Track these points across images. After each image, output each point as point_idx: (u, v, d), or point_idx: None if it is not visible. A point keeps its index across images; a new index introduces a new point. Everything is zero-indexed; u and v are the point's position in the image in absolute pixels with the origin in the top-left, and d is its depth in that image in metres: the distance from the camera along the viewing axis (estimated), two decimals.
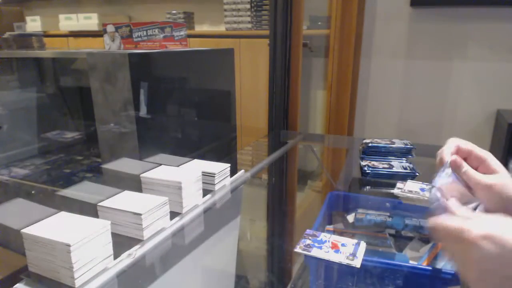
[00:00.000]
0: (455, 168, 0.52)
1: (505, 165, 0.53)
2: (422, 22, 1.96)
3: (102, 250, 0.60)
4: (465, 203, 0.50)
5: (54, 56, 1.54)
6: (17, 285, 0.57)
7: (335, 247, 0.67)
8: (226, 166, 0.95)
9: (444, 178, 0.51)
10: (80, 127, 1.62)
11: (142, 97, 0.92)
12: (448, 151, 0.53)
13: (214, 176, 0.91)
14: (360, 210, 0.90)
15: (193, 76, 1.13)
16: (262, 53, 2.27)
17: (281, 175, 1.37)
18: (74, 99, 1.61)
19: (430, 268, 0.66)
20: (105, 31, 1.12)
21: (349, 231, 0.87)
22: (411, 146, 1.19)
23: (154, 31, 1.09)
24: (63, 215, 0.63)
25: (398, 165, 1.15)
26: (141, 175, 0.82)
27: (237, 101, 1.37)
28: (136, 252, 0.66)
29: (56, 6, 3.55)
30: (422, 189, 0.96)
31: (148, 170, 0.84)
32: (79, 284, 0.56)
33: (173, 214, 0.78)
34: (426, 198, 0.90)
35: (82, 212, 0.64)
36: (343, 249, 0.67)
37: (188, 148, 1.13)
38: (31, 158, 1.44)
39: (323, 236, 0.71)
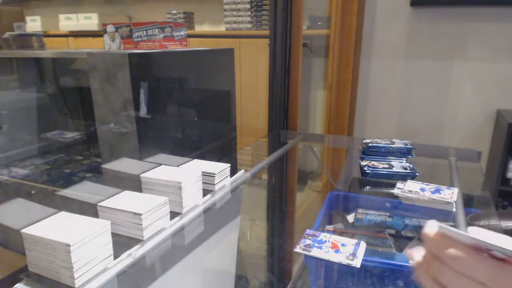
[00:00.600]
0: None
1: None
2: (422, 22, 1.96)
3: (102, 250, 0.60)
4: None
5: (54, 56, 1.54)
6: (17, 285, 0.57)
7: (335, 247, 0.67)
8: (226, 166, 0.95)
9: None
10: (80, 127, 1.62)
11: (142, 97, 0.92)
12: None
13: (214, 176, 0.91)
14: (360, 210, 0.90)
15: (193, 76, 1.13)
16: (262, 53, 2.27)
17: (281, 175, 1.37)
18: (74, 99, 1.61)
19: None
20: (105, 31, 1.12)
21: (349, 231, 0.87)
22: (411, 146, 1.19)
23: (154, 31, 1.09)
24: (63, 215, 0.63)
25: (398, 165, 1.15)
26: (141, 175, 0.82)
27: (237, 101, 1.37)
28: (136, 252, 0.66)
29: (56, 6, 3.55)
30: (422, 189, 0.96)
31: (148, 170, 0.84)
32: (79, 284, 0.56)
33: (173, 214, 0.78)
34: (426, 198, 0.90)
35: (82, 212, 0.64)
36: (343, 249, 0.67)
37: (188, 148, 1.13)
38: (31, 158, 1.44)
39: (323, 236, 0.71)
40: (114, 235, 0.64)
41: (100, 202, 0.72)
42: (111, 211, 0.70)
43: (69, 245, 0.54)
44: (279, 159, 1.38)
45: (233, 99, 1.34)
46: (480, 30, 1.86)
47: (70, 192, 0.99)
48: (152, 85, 0.94)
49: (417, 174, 1.09)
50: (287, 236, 1.03)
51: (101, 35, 1.14)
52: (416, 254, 0.41)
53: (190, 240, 0.78)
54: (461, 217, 0.83)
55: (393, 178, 1.08)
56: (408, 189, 0.96)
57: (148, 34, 1.09)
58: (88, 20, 3.04)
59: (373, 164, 1.15)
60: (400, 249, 0.83)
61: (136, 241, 0.69)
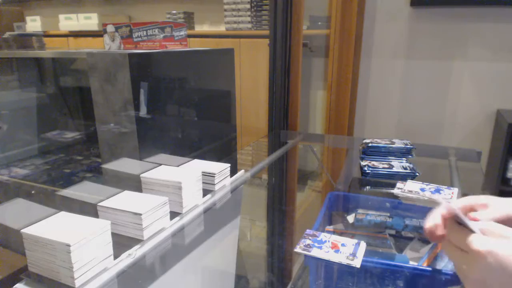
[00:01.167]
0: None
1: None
2: (422, 22, 1.96)
3: (102, 250, 0.60)
4: None
5: (54, 56, 1.54)
6: (17, 285, 0.57)
7: (335, 247, 0.67)
8: (226, 166, 0.95)
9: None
10: (80, 127, 1.62)
11: (142, 97, 0.92)
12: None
13: (214, 176, 0.91)
14: (360, 211, 0.90)
15: (193, 76, 1.13)
16: (262, 53, 2.27)
17: (281, 175, 1.37)
18: (74, 99, 1.61)
19: (430, 268, 0.66)
20: (105, 31, 1.12)
21: (349, 231, 0.87)
22: (411, 146, 1.19)
23: (154, 31, 1.09)
24: (63, 215, 0.63)
25: (398, 165, 1.14)
26: (141, 175, 0.82)
27: (237, 101, 1.37)
28: (136, 252, 0.66)
29: (56, 6, 3.55)
30: (422, 189, 0.96)
31: (148, 170, 0.84)
32: (79, 284, 0.56)
33: (173, 214, 0.78)
34: (426, 198, 0.90)
35: (82, 212, 0.64)
36: (343, 249, 0.67)
37: (188, 148, 1.13)
38: (31, 158, 1.44)
39: (323, 236, 0.71)
40: (114, 235, 0.64)
41: (100, 202, 0.72)
42: (111, 211, 0.70)
43: (69, 245, 0.54)
44: (279, 159, 1.38)
45: (233, 99, 1.34)
46: (480, 30, 1.86)
47: (70, 192, 0.99)
48: (152, 85, 0.94)
49: (417, 174, 1.09)
50: (287, 236, 1.03)
51: (101, 35, 1.14)
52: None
53: (190, 240, 0.78)
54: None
55: (393, 178, 1.08)
56: (408, 189, 0.96)
57: (148, 34, 1.09)
58: (88, 20, 3.04)
59: (373, 164, 1.15)
60: (400, 250, 0.82)
61: (136, 241, 0.69)
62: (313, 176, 1.49)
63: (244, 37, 2.38)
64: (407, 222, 0.86)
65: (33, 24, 3.21)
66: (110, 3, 3.32)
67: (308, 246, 0.67)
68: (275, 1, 1.57)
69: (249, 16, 2.45)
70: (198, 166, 0.92)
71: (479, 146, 1.85)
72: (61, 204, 1.00)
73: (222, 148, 1.31)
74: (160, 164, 0.89)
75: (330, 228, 0.89)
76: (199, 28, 2.97)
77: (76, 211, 0.64)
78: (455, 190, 0.93)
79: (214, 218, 0.87)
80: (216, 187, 0.92)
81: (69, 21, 3.12)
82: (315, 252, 0.66)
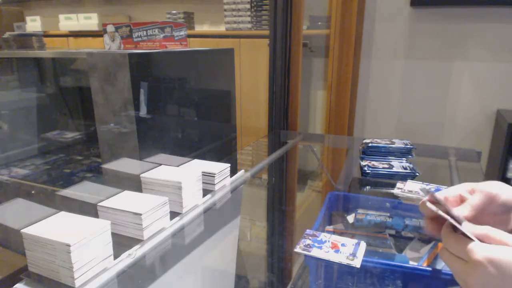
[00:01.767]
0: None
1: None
2: (422, 22, 1.96)
3: (102, 250, 0.60)
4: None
5: (54, 56, 1.54)
6: (17, 285, 0.57)
7: (335, 247, 0.67)
8: (226, 166, 0.95)
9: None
10: (80, 127, 1.62)
11: (142, 97, 0.92)
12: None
13: (214, 176, 0.91)
14: (360, 211, 0.90)
15: (193, 76, 1.13)
16: (262, 53, 2.27)
17: (281, 175, 1.37)
18: (74, 99, 1.61)
19: (430, 269, 0.66)
20: (105, 31, 1.12)
21: (349, 231, 0.87)
22: (411, 146, 1.19)
23: (154, 31, 1.09)
24: (63, 215, 0.63)
25: (398, 165, 1.15)
26: (141, 175, 0.82)
27: (237, 101, 1.37)
28: (136, 252, 0.66)
29: (56, 6, 3.55)
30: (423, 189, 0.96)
31: (148, 170, 0.84)
32: (79, 284, 0.56)
33: (173, 214, 0.78)
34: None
35: (82, 212, 0.64)
36: (343, 249, 0.67)
37: (188, 148, 1.13)
38: (31, 158, 1.44)
39: (323, 236, 0.71)
40: (114, 235, 0.64)
41: (100, 202, 0.72)
42: (111, 211, 0.70)
43: (69, 245, 0.54)
44: (279, 159, 1.38)
45: (233, 99, 1.34)
46: (480, 30, 1.86)
47: (70, 192, 0.99)
48: (152, 85, 0.94)
49: (417, 174, 1.09)
50: (287, 236, 1.03)
51: (101, 35, 1.14)
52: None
53: (190, 240, 0.78)
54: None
55: (393, 178, 1.08)
56: (408, 189, 0.96)
57: (148, 34, 1.09)
58: (88, 20, 3.04)
59: (373, 164, 1.15)
60: (400, 250, 0.82)
61: (136, 241, 0.69)
62: (313, 176, 1.49)
63: (244, 37, 2.38)
64: (407, 222, 0.86)
65: (33, 24, 3.21)
66: (110, 3, 3.32)
67: (308, 246, 0.67)
68: (275, 1, 1.57)
69: (249, 16, 2.45)
70: (198, 166, 0.92)
71: (479, 146, 1.84)
72: (61, 204, 1.00)
73: (222, 148, 1.31)
74: (160, 164, 0.89)
75: (330, 228, 0.89)
76: (199, 28, 2.96)
77: (76, 211, 0.64)
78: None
79: (214, 218, 0.87)
80: (216, 187, 0.92)
81: (69, 21, 3.12)
82: (315, 252, 0.66)
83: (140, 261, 0.65)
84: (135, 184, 0.84)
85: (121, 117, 0.92)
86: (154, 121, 0.97)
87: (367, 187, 1.13)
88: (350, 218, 0.90)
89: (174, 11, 2.77)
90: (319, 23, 2.23)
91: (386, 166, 1.14)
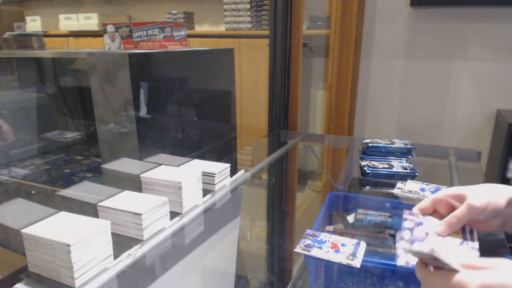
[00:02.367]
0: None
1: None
2: (422, 22, 1.96)
3: (102, 250, 0.60)
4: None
5: (54, 56, 1.54)
6: (17, 285, 0.57)
7: (335, 247, 0.67)
8: (226, 166, 0.95)
9: (409, 228, 0.53)
10: (80, 127, 1.62)
11: (142, 97, 0.92)
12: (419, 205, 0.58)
13: (214, 176, 0.91)
14: (360, 211, 0.90)
15: (193, 76, 1.13)
16: (262, 53, 2.27)
17: (281, 175, 1.37)
18: (74, 99, 1.61)
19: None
20: (105, 31, 1.12)
21: (349, 231, 0.87)
22: (411, 146, 1.19)
23: (154, 31, 1.09)
24: (63, 215, 0.63)
25: (398, 165, 1.14)
26: (141, 175, 0.82)
27: (237, 101, 1.37)
28: (136, 252, 0.66)
29: (56, 6, 3.55)
30: (422, 189, 0.96)
31: (148, 170, 0.84)
32: (79, 284, 0.56)
33: (173, 214, 0.78)
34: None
35: (82, 212, 0.64)
36: (343, 249, 0.67)
37: (188, 148, 1.13)
38: (31, 158, 1.44)
39: (323, 236, 0.71)
40: (114, 235, 0.64)
41: (100, 202, 0.72)
42: (111, 211, 0.70)
43: (69, 245, 0.54)
44: (279, 159, 1.38)
45: (233, 99, 1.34)
46: (480, 30, 1.86)
47: (70, 192, 0.99)
48: (152, 85, 0.94)
49: (417, 174, 1.09)
50: (287, 236, 1.03)
51: (101, 35, 1.14)
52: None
53: (190, 240, 0.78)
54: None
55: (393, 178, 1.08)
56: (408, 189, 0.96)
57: (148, 34, 1.09)
58: (88, 20, 3.04)
59: (373, 164, 1.15)
60: None
61: (136, 241, 0.69)
62: (313, 176, 1.49)
63: (244, 37, 2.38)
64: None
65: (33, 24, 3.21)
66: (110, 3, 3.32)
67: (308, 246, 0.67)
68: (275, 1, 1.57)
69: (249, 16, 2.45)
70: (198, 166, 0.92)
71: (479, 146, 1.85)
72: (61, 204, 1.00)
73: (222, 148, 1.31)
74: (160, 164, 0.89)
75: (330, 228, 0.89)
76: (199, 28, 2.97)
77: (76, 211, 0.64)
78: None
79: (214, 218, 0.87)
80: (216, 187, 0.92)
81: (69, 21, 3.12)
82: (315, 252, 0.66)
83: (140, 261, 0.65)
84: (135, 184, 0.84)
85: (121, 117, 0.92)
86: (154, 121, 0.97)
87: (367, 187, 1.13)
88: (350, 218, 0.90)
89: (174, 11, 2.77)
90: (319, 23, 2.23)
91: (386, 166, 1.14)
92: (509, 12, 1.79)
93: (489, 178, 1.83)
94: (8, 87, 1.46)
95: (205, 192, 0.88)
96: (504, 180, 1.70)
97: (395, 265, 0.68)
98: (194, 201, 0.83)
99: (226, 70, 1.31)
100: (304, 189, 1.38)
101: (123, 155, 0.95)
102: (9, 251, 0.80)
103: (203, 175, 0.89)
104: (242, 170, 1.08)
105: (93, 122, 0.96)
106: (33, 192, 1.14)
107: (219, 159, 0.97)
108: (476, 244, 0.50)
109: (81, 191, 1.00)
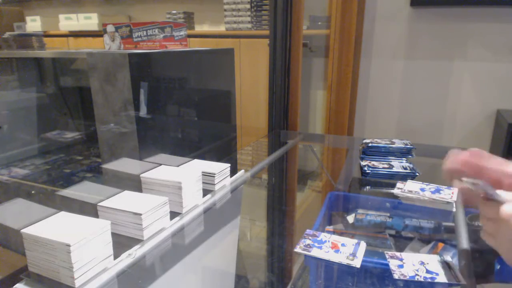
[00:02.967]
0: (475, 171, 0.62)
1: None
2: (422, 22, 1.96)
3: (102, 250, 0.60)
4: None
5: (54, 56, 1.54)
6: (17, 285, 0.57)
7: (335, 247, 0.67)
8: (226, 166, 0.95)
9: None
10: (80, 127, 1.62)
11: (142, 97, 0.92)
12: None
13: (214, 176, 0.91)
14: (360, 211, 0.90)
15: (193, 76, 1.13)
16: (262, 53, 2.27)
17: (281, 175, 1.37)
18: (74, 99, 1.61)
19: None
20: (105, 31, 1.12)
21: (349, 231, 0.87)
22: (411, 146, 1.19)
23: (154, 31, 1.09)
24: (63, 215, 0.63)
25: (398, 165, 1.14)
26: (141, 175, 0.82)
27: (237, 101, 1.37)
28: (136, 252, 0.66)
29: (56, 6, 3.55)
30: (422, 189, 0.96)
31: (148, 170, 0.84)
32: (79, 284, 0.56)
33: (173, 214, 0.78)
34: (426, 198, 0.90)
35: (82, 212, 0.64)
36: (343, 249, 0.67)
37: (188, 148, 1.13)
38: (31, 158, 1.44)
39: (323, 236, 0.71)
40: (114, 235, 0.64)
41: (100, 202, 0.72)
42: (111, 211, 0.70)
43: (69, 245, 0.54)
44: (279, 159, 1.38)
45: (233, 99, 1.34)
46: (480, 30, 1.86)
47: (70, 192, 0.99)
48: (152, 85, 0.94)
49: (417, 174, 1.09)
50: (287, 236, 1.03)
51: (101, 35, 1.14)
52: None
53: (190, 240, 0.78)
54: (461, 217, 0.83)
55: (393, 178, 1.08)
56: (408, 189, 0.96)
57: (148, 34, 1.09)
58: (88, 20, 3.04)
59: (373, 164, 1.15)
60: (400, 250, 0.82)
61: (136, 241, 0.69)
62: (313, 176, 1.49)
63: (244, 37, 2.38)
64: (407, 222, 0.86)
65: (33, 24, 3.21)
66: (110, 3, 3.32)
67: (308, 246, 0.67)
68: (275, 1, 1.57)
69: (249, 16, 2.45)
70: (198, 166, 0.92)
71: (479, 146, 1.83)
72: (61, 204, 1.00)
73: (222, 148, 1.31)
74: (160, 164, 0.89)
75: (330, 228, 0.89)
76: (199, 28, 2.97)
77: (76, 211, 0.64)
78: (455, 190, 0.93)
79: (214, 218, 0.87)
80: (216, 187, 0.92)
81: (69, 21, 3.12)
82: (315, 252, 0.66)
83: (140, 261, 0.65)
84: (135, 184, 0.84)
85: (121, 117, 0.92)
86: (154, 121, 0.97)
87: (367, 187, 1.13)
88: (350, 218, 0.90)
89: (174, 11, 2.77)
90: (319, 23, 2.23)
91: (386, 166, 1.14)
92: (509, 12, 1.79)
93: None
94: (8, 87, 1.46)
95: (205, 192, 0.88)
96: None
97: None
98: (194, 201, 0.83)
99: (226, 70, 1.31)
100: (304, 189, 1.38)
101: (123, 155, 0.95)
102: (9, 251, 0.80)
103: (203, 175, 0.89)
104: (242, 170, 1.08)
105: (93, 122, 0.96)
106: (33, 192, 1.14)
107: (219, 159, 0.97)
108: None
109: (81, 191, 1.00)
